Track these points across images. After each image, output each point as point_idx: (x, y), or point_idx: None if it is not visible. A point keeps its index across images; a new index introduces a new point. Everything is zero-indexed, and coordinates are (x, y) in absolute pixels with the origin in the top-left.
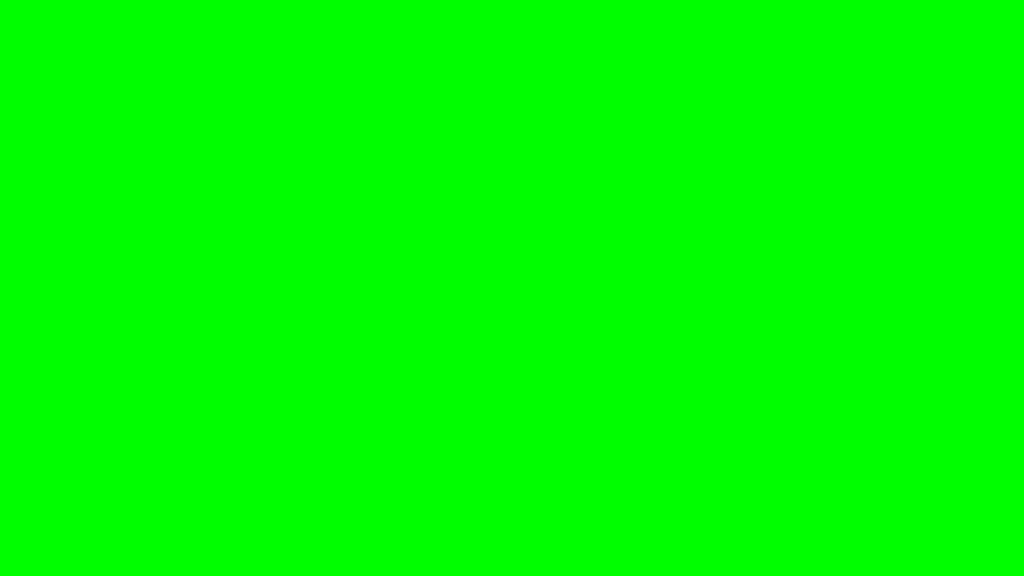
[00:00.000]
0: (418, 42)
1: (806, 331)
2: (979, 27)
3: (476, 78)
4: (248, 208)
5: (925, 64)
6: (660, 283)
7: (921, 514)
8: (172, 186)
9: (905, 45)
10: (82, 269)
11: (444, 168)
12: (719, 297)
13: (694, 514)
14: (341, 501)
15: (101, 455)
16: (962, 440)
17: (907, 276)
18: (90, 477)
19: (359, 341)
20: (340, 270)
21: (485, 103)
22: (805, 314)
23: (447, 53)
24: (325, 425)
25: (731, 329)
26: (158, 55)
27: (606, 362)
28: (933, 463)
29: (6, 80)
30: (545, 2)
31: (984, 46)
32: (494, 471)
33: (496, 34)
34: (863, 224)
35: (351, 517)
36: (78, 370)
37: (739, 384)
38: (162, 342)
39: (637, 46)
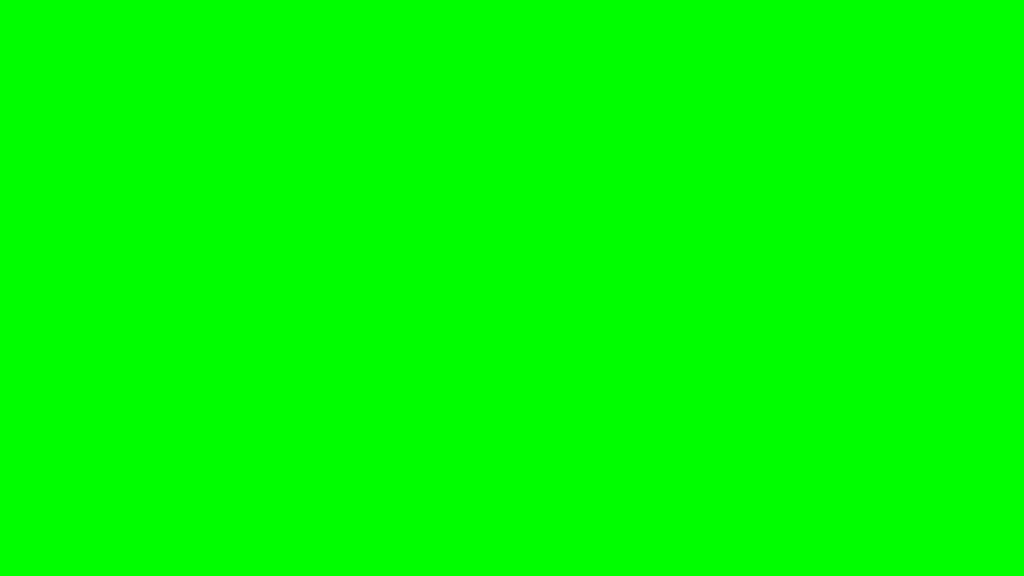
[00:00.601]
0: (418, 42)
1: (806, 331)
2: (979, 27)
3: (476, 78)
4: (248, 208)
5: (925, 64)
6: (660, 283)
7: (921, 514)
8: (172, 186)
9: (905, 45)
10: (82, 269)
11: (444, 168)
12: (719, 297)
13: (694, 514)
14: (341, 501)
15: (101, 455)
16: (962, 440)
17: (906, 276)
18: (90, 477)
19: (359, 341)
20: (340, 270)
21: (485, 103)
22: (805, 314)
23: (447, 53)
24: (325, 425)
25: (731, 329)
26: (158, 55)
27: (606, 362)
28: (933, 463)
29: (6, 80)
30: (545, 2)
31: (984, 46)
32: (493, 471)
33: (496, 34)
34: (863, 224)
35: (351, 517)
36: (78, 370)
37: (739, 384)
38: (162, 341)
39: (637, 46)
